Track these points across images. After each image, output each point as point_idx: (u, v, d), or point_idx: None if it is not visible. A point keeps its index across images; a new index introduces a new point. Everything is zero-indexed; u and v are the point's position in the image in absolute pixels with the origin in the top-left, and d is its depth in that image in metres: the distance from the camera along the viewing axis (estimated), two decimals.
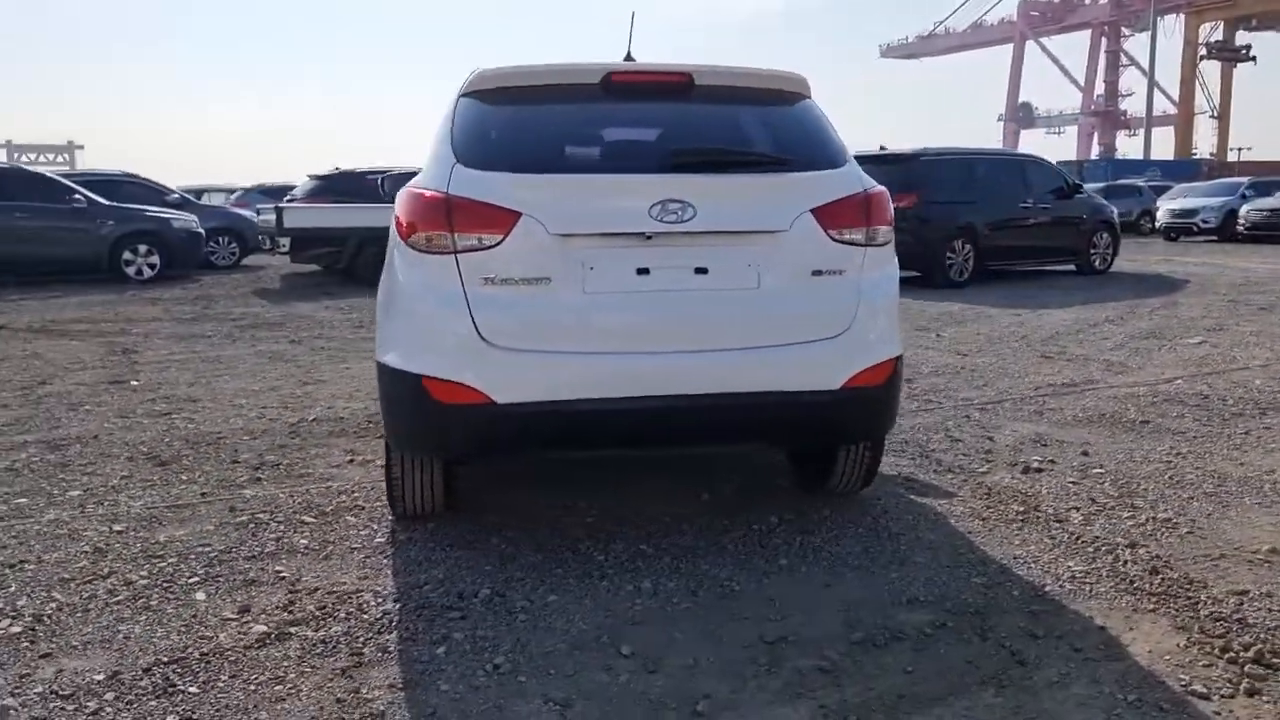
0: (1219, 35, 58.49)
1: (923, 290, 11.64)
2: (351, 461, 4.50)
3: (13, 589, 3.06)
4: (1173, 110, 62.14)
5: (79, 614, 2.88)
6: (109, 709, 2.36)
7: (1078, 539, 3.47)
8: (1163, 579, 3.11)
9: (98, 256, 13.49)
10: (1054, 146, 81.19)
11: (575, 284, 3.04)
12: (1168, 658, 2.62)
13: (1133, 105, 70.82)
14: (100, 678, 2.50)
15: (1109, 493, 3.99)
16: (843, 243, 3.22)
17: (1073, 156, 59.95)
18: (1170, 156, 53.05)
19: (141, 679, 2.50)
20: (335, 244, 13.35)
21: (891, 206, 3.37)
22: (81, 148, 77.77)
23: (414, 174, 3.32)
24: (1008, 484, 4.11)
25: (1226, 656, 2.61)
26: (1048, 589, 3.06)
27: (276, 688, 2.46)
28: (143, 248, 13.75)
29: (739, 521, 3.63)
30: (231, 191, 25.54)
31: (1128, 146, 69.83)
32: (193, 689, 2.45)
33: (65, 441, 4.85)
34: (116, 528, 3.60)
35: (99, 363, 7.26)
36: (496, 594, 3.02)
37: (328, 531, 3.57)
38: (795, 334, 3.15)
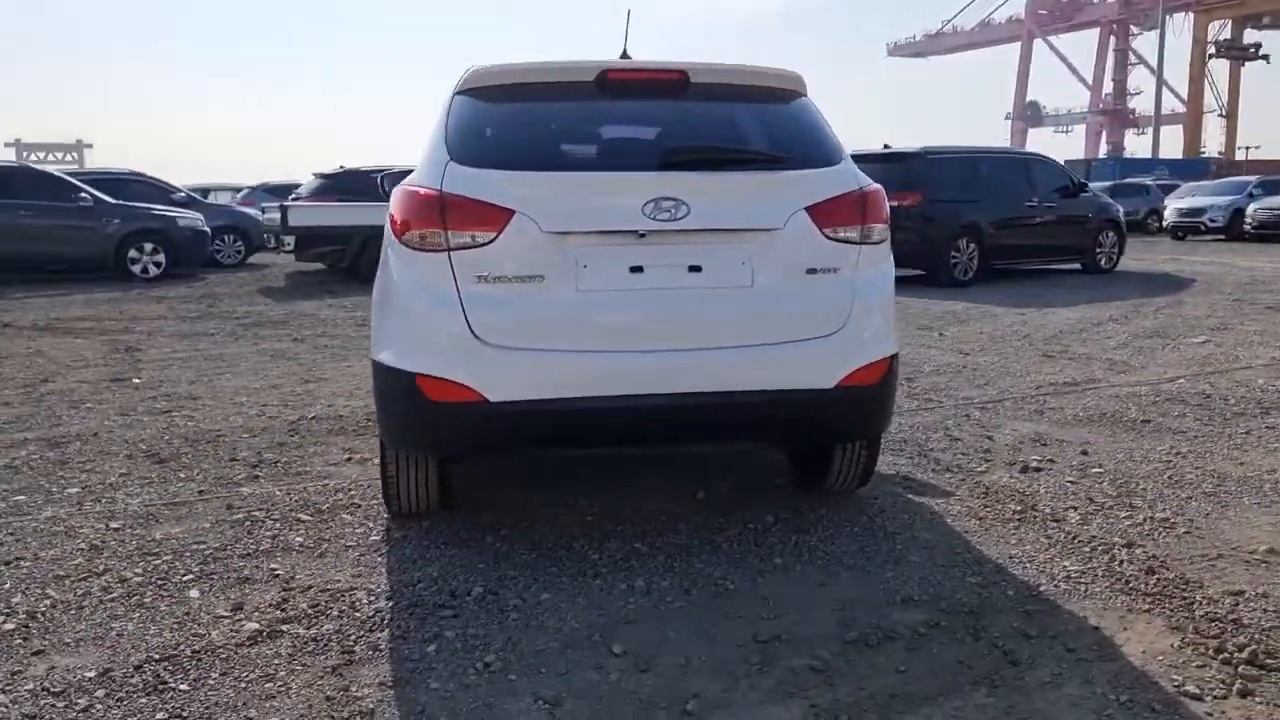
0: (1227, 34, 58.23)
1: (927, 289, 11.62)
2: (350, 459, 4.51)
3: (8, 586, 3.06)
4: (1181, 109, 61.95)
5: (73, 611, 2.89)
6: (99, 706, 2.37)
7: (1074, 539, 3.46)
8: (1158, 579, 3.09)
9: (104, 255, 13.55)
10: (1062, 145, 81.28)
11: (569, 282, 3.03)
12: (1161, 658, 2.60)
13: (1141, 104, 70.68)
14: (92, 675, 2.51)
15: (1107, 492, 3.97)
16: (837, 241, 3.21)
17: (1081, 155, 59.81)
18: (1179, 155, 52.84)
19: (133, 676, 2.50)
20: (340, 242, 13.37)
21: (887, 204, 3.36)
22: (90, 146, 78.27)
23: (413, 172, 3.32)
24: (1006, 483, 4.09)
25: (1221, 657, 2.59)
26: (1043, 589, 3.05)
27: (266, 685, 2.47)
28: (148, 246, 13.81)
29: (734, 520, 3.63)
30: (237, 190, 25.61)
31: (1136, 145, 69.82)
32: (183, 686, 2.46)
33: (65, 439, 4.86)
34: (113, 525, 3.60)
35: (102, 360, 7.28)
36: (489, 592, 3.02)
37: (323, 529, 3.57)
38: (789, 332, 3.14)
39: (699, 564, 3.25)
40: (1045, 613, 2.88)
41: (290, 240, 13.72)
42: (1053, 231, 13.53)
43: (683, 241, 3.09)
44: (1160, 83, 48.18)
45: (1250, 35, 58.35)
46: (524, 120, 3.38)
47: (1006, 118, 79.29)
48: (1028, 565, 3.23)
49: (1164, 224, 24.93)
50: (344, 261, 13.56)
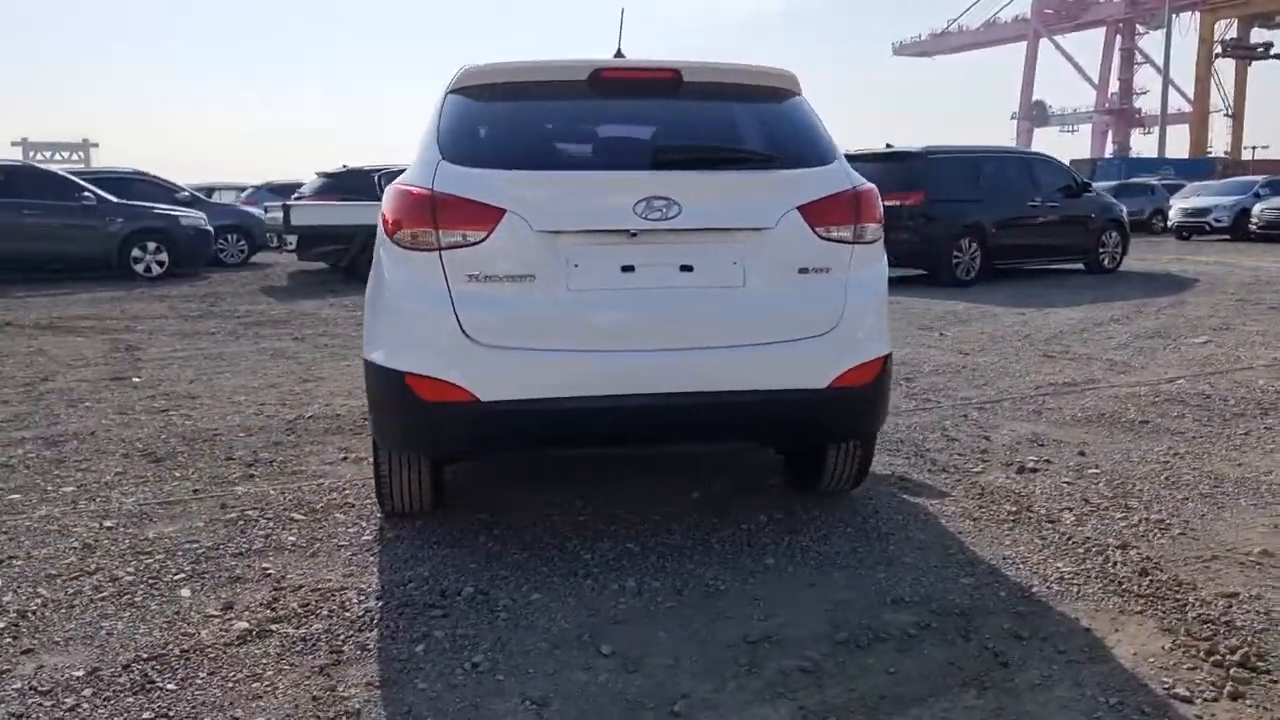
0: (1234, 33, 58.07)
1: (929, 289, 11.60)
2: (345, 459, 4.51)
3: None
4: (1188, 108, 61.77)
5: (63, 610, 2.89)
6: (86, 705, 2.37)
7: (1069, 540, 3.44)
8: (1151, 581, 3.08)
9: (107, 254, 13.58)
10: (1068, 145, 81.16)
11: (560, 281, 3.03)
12: (1152, 660, 2.59)
13: (1147, 103, 70.52)
14: (80, 674, 2.51)
15: (1103, 493, 3.96)
16: (830, 240, 3.20)
17: (1087, 155, 59.69)
18: (1185, 155, 52.70)
19: (120, 676, 2.50)
20: (342, 241, 13.38)
21: (880, 204, 3.35)
22: (96, 145, 78.26)
23: None
24: (1001, 484, 4.08)
25: (1212, 659, 2.58)
26: (1035, 590, 3.03)
27: (254, 685, 2.46)
28: (151, 245, 13.84)
29: (728, 520, 3.62)
30: (242, 189, 25.65)
31: (1142, 145, 69.68)
32: (170, 686, 2.45)
33: (63, 438, 4.87)
34: (107, 524, 3.61)
35: (102, 359, 7.29)
36: (480, 592, 3.01)
37: (316, 529, 3.57)
38: (781, 332, 3.13)
39: (691, 564, 3.24)
40: (1037, 614, 2.87)
41: (293, 239, 13.73)
42: (1055, 231, 13.50)
43: (674, 241, 3.08)
44: (1166, 82, 47.94)
45: (1257, 34, 58.19)
46: (516, 119, 3.38)
47: (1012, 117, 79.15)
48: (1021, 566, 3.22)
49: (1169, 224, 24.85)
50: (345, 261, 13.57)
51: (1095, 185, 15.87)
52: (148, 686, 2.45)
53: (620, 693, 2.46)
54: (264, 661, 2.58)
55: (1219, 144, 61.32)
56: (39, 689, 2.44)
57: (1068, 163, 15.41)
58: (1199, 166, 43.62)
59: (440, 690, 2.45)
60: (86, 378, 6.54)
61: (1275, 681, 2.47)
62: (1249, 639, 2.68)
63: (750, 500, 3.83)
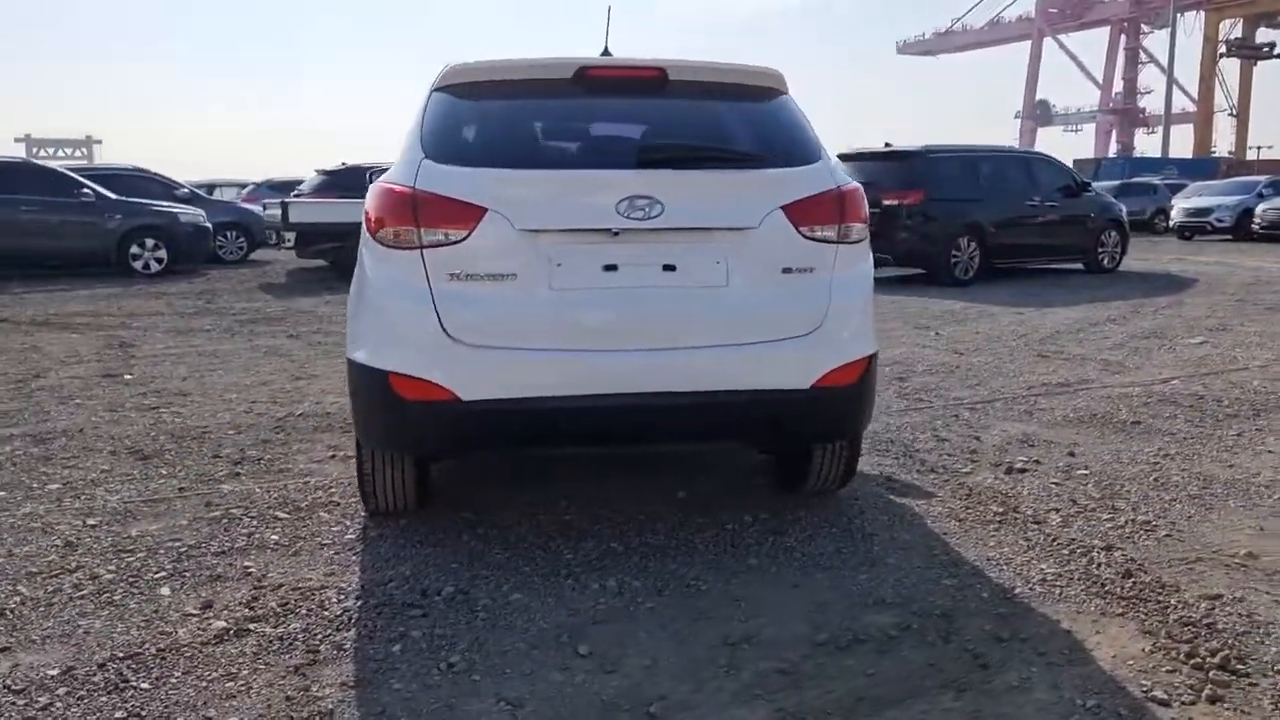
0: (1239, 32, 57.90)
1: (927, 288, 11.58)
2: (334, 457, 4.50)
3: None
4: (1192, 108, 61.60)
5: (42, 608, 2.88)
6: (59, 704, 2.36)
7: (1054, 541, 3.43)
8: (1135, 582, 3.06)
9: (105, 250, 13.57)
10: (1072, 144, 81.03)
11: (542, 280, 3.01)
12: (1132, 662, 2.57)
13: (1151, 103, 70.38)
14: (54, 673, 2.50)
15: (1091, 494, 3.94)
16: (814, 240, 3.18)
17: (1090, 154, 59.59)
18: (1189, 155, 52.58)
19: (95, 674, 2.49)
20: (339, 239, 13.32)
21: (866, 204, 3.33)
22: (99, 142, 78.50)
23: None
24: (989, 485, 4.06)
25: (1192, 662, 2.56)
26: (1017, 592, 3.02)
27: (228, 684, 2.45)
28: (150, 242, 13.83)
29: (713, 520, 3.60)
30: (242, 186, 25.67)
31: (1146, 144, 69.43)
32: (144, 685, 2.45)
33: (51, 435, 4.86)
34: (90, 522, 3.60)
35: (95, 356, 7.29)
36: (460, 591, 3.00)
37: (299, 527, 3.56)
38: (764, 332, 3.12)
39: (673, 564, 3.23)
40: (1018, 616, 2.86)
41: (291, 236, 13.73)
42: (1055, 231, 13.47)
43: (656, 240, 3.07)
44: (1171, 82, 47.89)
45: (1263, 34, 58.02)
46: (501, 117, 3.37)
47: (1016, 116, 78.99)
48: (1004, 567, 3.21)
49: (1170, 224, 24.79)
50: (342, 258, 13.55)
51: (1098, 184, 15.83)
52: (122, 685, 2.44)
53: (596, 693, 2.45)
54: (240, 661, 2.58)
55: (1223, 144, 61.20)
56: (12, 687, 2.43)
57: (1071, 162, 15.39)
58: (1203, 166, 43.52)
59: (415, 690, 2.44)
60: (79, 374, 6.53)
61: (1254, 684, 2.46)
62: (1230, 641, 2.66)
63: (736, 500, 3.82)
